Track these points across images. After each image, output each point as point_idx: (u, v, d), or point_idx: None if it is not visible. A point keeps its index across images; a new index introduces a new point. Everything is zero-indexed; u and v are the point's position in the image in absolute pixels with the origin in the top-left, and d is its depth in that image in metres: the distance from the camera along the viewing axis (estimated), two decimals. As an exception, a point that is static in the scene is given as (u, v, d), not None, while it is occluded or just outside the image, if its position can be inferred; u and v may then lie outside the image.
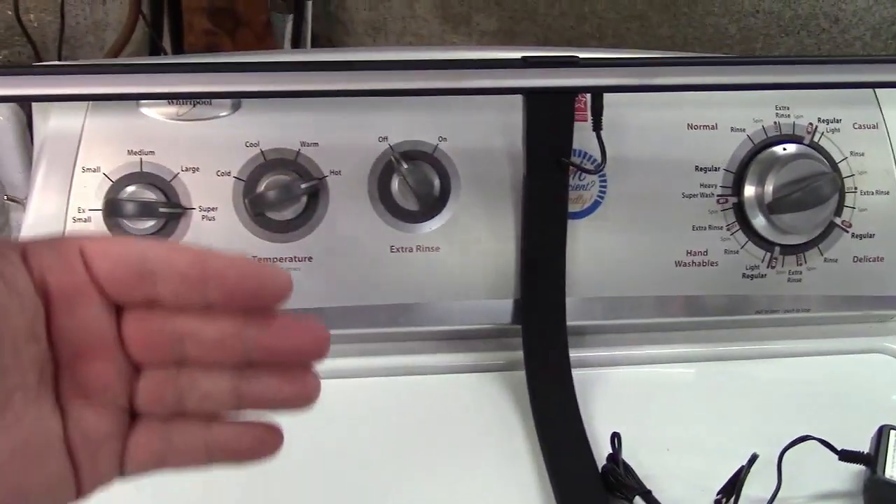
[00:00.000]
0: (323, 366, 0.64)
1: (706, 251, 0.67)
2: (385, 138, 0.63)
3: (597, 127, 0.62)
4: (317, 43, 0.87)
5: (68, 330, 0.30)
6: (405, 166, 0.62)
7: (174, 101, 0.61)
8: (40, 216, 0.61)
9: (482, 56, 0.59)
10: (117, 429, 0.31)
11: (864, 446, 0.57)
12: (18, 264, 0.29)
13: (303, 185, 0.61)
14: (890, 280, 0.69)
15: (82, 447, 0.30)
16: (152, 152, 0.61)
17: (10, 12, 0.83)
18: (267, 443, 0.33)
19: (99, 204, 0.60)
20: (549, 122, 0.61)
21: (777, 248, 0.67)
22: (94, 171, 0.61)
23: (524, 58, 0.58)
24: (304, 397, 0.33)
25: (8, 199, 0.70)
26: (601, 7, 0.91)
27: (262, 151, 0.62)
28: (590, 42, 0.94)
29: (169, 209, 0.60)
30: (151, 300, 0.30)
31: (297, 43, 0.80)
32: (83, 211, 0.61)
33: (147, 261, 0.30)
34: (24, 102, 0.65)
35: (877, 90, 0.70)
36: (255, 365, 0.32)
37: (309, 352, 0.32)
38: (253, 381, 0.32)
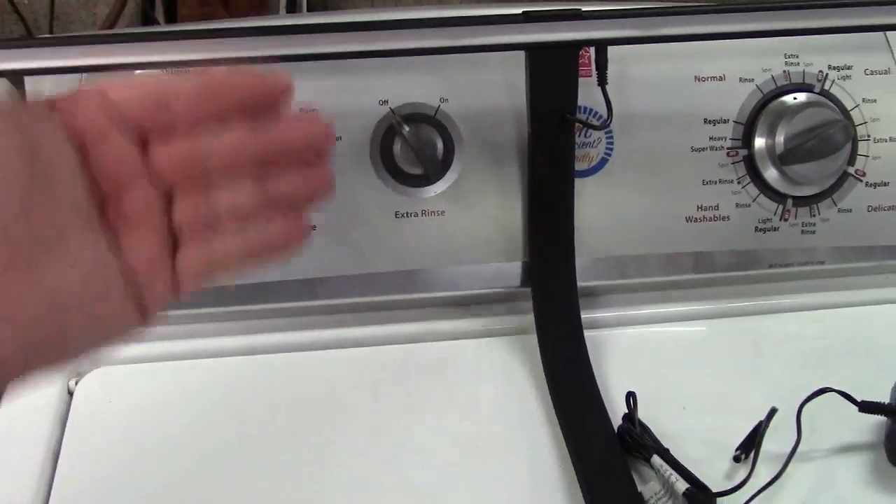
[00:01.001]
0: (334, 335, 0.63)
1: (717, 206, 0.65)
2: (385, 101, 0.62)
3: (602, 81, 0.60)
4: (311, 7, 0.85)
5: (105, 165, 0.33)
6: (407, 129, 0.61)
7: (171, 69, 0.60)
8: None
9: (479, 12, 0.57)
10: (166, 251, 0.34)
11: (884, 397, 0.56)
12: (53, 116, 0.32)
13: (303, 152, 0.60)
14: (905, 229, 0.68)
15: (138, 272, 0.33)
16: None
17: (-1, -11, 0.82)
18: (297, 230, 0.37)
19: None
20: (553, 77, 0.59)
21: (790, 200, 0.66)
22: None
23: (525, 12, 0.57)
24: (322, 186, 0.37)
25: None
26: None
27: (260, 119, 0.61)
28: (591, -2, 0.92)
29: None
30: (171, 125, 0.33)
31: (292, 5, 0.79)
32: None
33: (161, 90, 0.33)
34: (18, 77, 0.63)
35: (888, 35, 0.68)
36: (273, 168, 0.35)
37: (316, 142, 0.36)
38: (273, 181, 0.35)
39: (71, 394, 0.60)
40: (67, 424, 0.58)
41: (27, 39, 0.59)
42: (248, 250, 0.36)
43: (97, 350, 0.33)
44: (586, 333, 0.62)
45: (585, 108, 0.63)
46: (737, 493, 0.51)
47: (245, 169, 0.35)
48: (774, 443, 0.54)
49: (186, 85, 0.33)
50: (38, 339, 0.30)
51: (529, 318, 0.63)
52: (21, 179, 0.29)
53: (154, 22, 0.84)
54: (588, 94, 0.61)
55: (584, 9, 0.57)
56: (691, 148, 0.65)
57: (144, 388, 0.60)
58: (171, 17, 0.83)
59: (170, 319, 0.61)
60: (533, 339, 0.62)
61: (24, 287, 0.29)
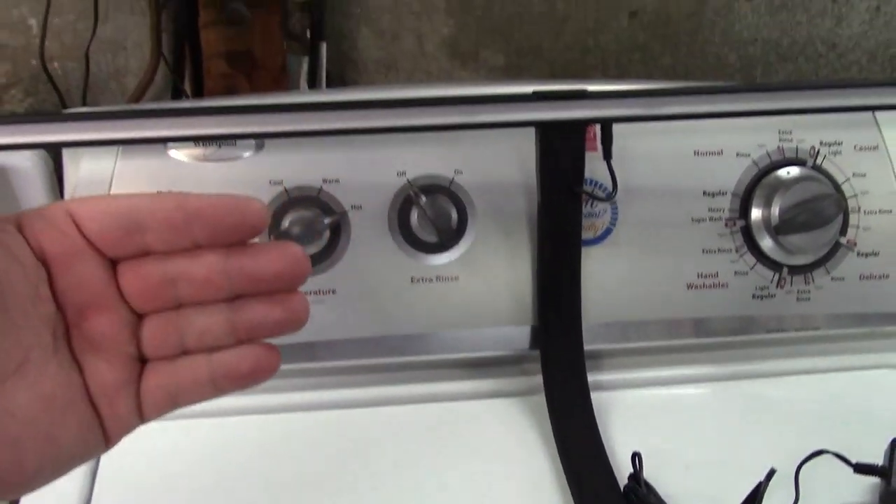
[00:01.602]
0: (349, 395, 0.66)
1: (716, 273, 0.69)
2: (403, 173, 0.66)
3: (607, 156, 0.64)
4: (330, 81, 0.89)
5: (70, 289, 0.32)
6: (423, 199, 0.64)
7: (200, 143, 0.64)
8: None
9: (493, 91, 0.61)
10: (130, 375, 0.34)
11: (878, 459, 0.58)
12: (16, 234, 0.31)
13: (325, 221, 0.63)
14: (895, 296, 0.71)
15: (102, 396, 0.33)
16: (179, 193, 0.63)
17: (34, 61, 0.86)
18: (265, 362, 0.35)
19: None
20: (562, 152, 0.63)
21: (785, 269, 0.69)
22: (125, 212, 0.63)
23: (535, 92, 0.60)
24: (294, 318, 0.35)
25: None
26: (604, 39, 0.94)
27: (285, 189, 0.64)
28: (594, 73, 0.96)
29: (197, 247, 0.62)
30: (142, 250, 0.33)
31: (312, 82, 0.83)
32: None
33: (133, 214, 0.33)
34: (56, 149, 0.67)
35: (876, 113, 0.72)
36: (244, 297, 0.34)
37: (289, 273, 0.34)
38: (244, 310, 0.34)
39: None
40: (97, 479, 0.60)
41: (67, 114, 0.62)
42: (213, 381, 0.35)
43: (56, 474, 0.32)
44: (593, 395, 0.65)
45: (592, 181, 0.67)
46: (738, 549, 0.53)
47: (216, 295, 0.34)
48: (774, 502, 0.56)
49: (160, 210, 0.33)
50: (10, 449, 0.29)
51: (538, 380, 0.65)
52: (5, 305, 0.29)
53: (182, 92, 0.88)
54: (594, 167, 0.65)
55: (589, 88, 0.61)
56: (691, 218, 0.68)
57: (172, 444, 0.62)
58: (197, 88, 0.87)
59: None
60: (541, 399, 0.65)
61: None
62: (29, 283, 0.31)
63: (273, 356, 0.36)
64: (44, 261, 0.32)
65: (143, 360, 0.35)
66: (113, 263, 0.34)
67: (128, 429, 0.34)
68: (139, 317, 0.34)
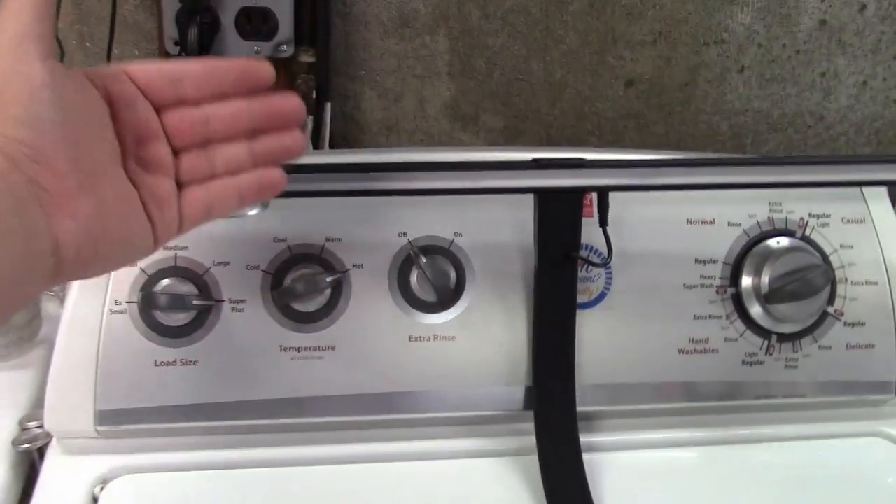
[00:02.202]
0: (344, 451, 0.66)
1: (707, 339, 0.70)
2: (404, 234, 0.67)
3: (603, 223, 0.66)
4: (334, 140, 0.91)
5: (129, 123, 0.42)
6: (423, 260, 0.66)
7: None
8: (78, 310, 0.64)
9: (493, 156, 0.63)
10: (174, 191, 0.44)
11: (864, 527, 0.59)
12: (86, 81, 0.40)
13: (327, 279, 0.64)
14: (881, 366, 0.72)
15: (153, 205, 0.43)
16: (186, 248, 0.65)
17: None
18: (278, 179, 0.47)
19: (135, 297, 0.64)
20: (559, 218, 0.64)
21: (774, 336, 0.71)
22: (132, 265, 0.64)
23: (535, 160, 0.62)
24: (296, 144, 0.47)
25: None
26: (600, 106, 0.96)
27: (289, 246, 0.66)
28: (589, 139, 0.99)
29: (201, 301, 0.64)
30: (181, 99, 0.44)
31: (316, 142, 0.85)
32: (119, 303, 0.64)
33: (173, 70, 0.43)
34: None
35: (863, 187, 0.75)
36: (259, 133, 0.46)
37: (290, 111, 0.46)
38: (260, 141, 0.46)
39: (96, 500, 0.62)
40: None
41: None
42: (240, 193, 0.46)
43: (123, 261, 0.43)
44: (584, 456, 0.66)
45: (588, 246, 0.69)
46: None
47: (239, 132, 0.45)
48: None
49: (192, 68, 0.44)
50: (94, 233, 0.39)
51: (531, 440, 0.66)
52: (84, 127, 0.39)
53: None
54: (590, 233, 0.66)
55: (586, 157, 0.63)
56: (683, 285, 0.70)
57: (166, 496, 0.63)
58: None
59: (196, 430, 0.65)
60: (534, 460, 0.65)
61: (82, 196, 0.38)
62: (97, 114, 0.40)
63: (282, 176, 0.48)
64: (109, 100, 0.41)
65: (181, 182, 0.45)
66: (158, 110, 0.43)
67: (170, 235, 0.44)
68: (177, 154, 0.44)
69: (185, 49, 0.75)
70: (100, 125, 0.40)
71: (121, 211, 0.41)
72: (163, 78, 0.43)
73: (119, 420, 0.64)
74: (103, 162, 0.40)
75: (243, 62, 0.45)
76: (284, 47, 0.82)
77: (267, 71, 0.45)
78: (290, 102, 0.46)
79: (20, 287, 0.37)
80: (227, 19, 0.79)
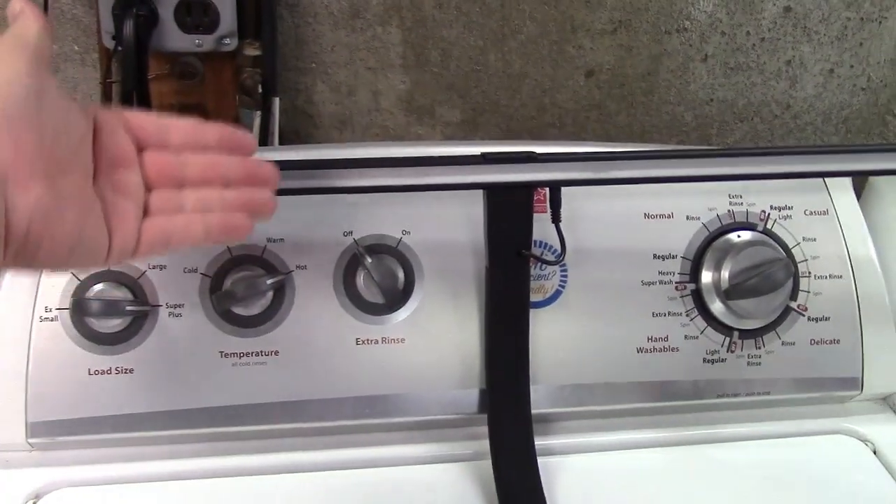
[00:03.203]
0: (292, 459, 0.64)
1: (666, 337, 0.68)
2: (350, 233, 0.65)
3: (556, 219, 0.63)
4: (285, 135, 0.89)
5: (107, 148, 0.44)
6: (370, 260, 0.63)
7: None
8: (5, 318, 0.61)
9: (444, 151, 0.60)
10: (137, 214, 0.45)
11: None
12: (73, 99, 0.42)
13: (269, 281, 0.62)
14: (846, 361, 0.71)
15: (114, 218, 0.43)
16: (120, 251, 0.62)
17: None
18: (247, 223, 0.48)
19: (66, 303, 0.61)
20: (509, 215, 0.62)
21: (736, 333, 0.69)
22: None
23: (483, 154, 0.60)
24: (268, 204, 0.49)
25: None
26: (561, 98, 0.94)
27: (228, 248, 0.63)
28: (550, 131, 0.96)
29: (136, 307, 0.61)
30: (164, 143, 0.46)
31: (264, 137, 0.82)
32: (50, 310, 0.61)
33: (164, 121, 0.47)
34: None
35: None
36: (233, 184, 0.48)
37: (266, 175, 0.49)
38: (232, 191, 0.48)
39: (28, 515, 0.60)
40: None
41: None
42: (206, 231, 0.47)
43: (70, 261, 0.42)
44: (540, 460, 0.64)
45: (541, 243, 0.66)
46: None
47: (213, 181, 0.47)
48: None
49: (183, 122, 0.47)
50: (48, 218, 0.39)
51: (485, 444, 0.64)
52: (59, 128, 0.40)
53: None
54: (543, 229, 0.64)
55: (539, 151, 0.61)
56: (641, 282, 0.68)
57: (101, 511, 0.60)
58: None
59: (134, 441, 0.62)
60: (488, 464, 0.63)
61: (43, 181, 0.39)
62: (77, 127, 0.42)
63: (251, 226, 0.48)
64: (95, 123, 0.43)
65: (146, 214, 0.46)
66: (140, 149, 0.46)
67: (125, 252, 0.45)
68: (150, 189, 0.46)
69: (121, 43, 0.72)
70: (78, 139, 0.42)
71: (80, 209, 0.42)
72: (152, 123, 0.46)
73: (52, 432, 0.61)
74: (72, 164, 0.41)
75: (229, 129, 0.48)
76: (227, 40, 0.79)
77: (249, 142, 0.49)
78: (266, 167, 0.49)
79: None
80: (166, 12, 0.76)
